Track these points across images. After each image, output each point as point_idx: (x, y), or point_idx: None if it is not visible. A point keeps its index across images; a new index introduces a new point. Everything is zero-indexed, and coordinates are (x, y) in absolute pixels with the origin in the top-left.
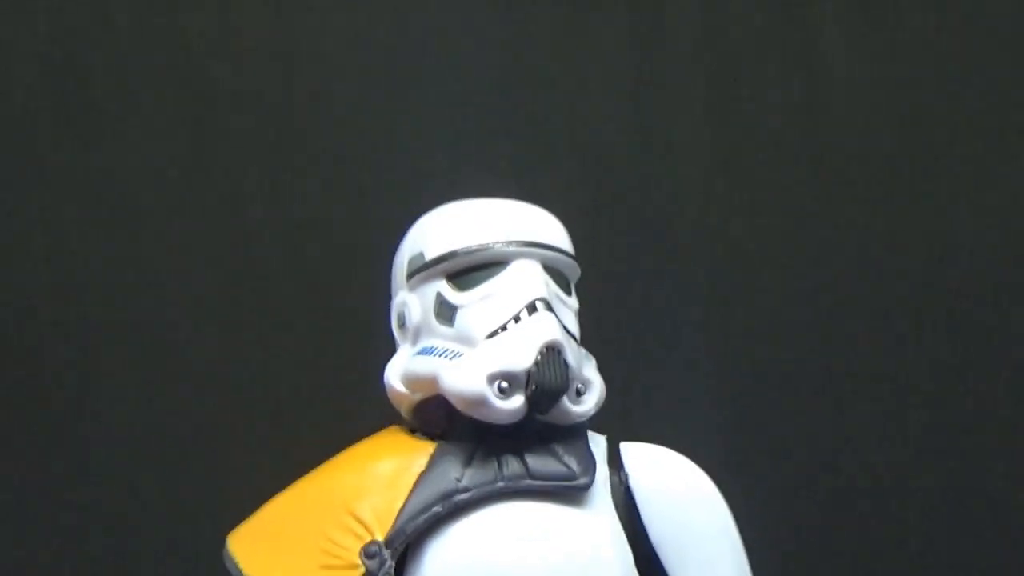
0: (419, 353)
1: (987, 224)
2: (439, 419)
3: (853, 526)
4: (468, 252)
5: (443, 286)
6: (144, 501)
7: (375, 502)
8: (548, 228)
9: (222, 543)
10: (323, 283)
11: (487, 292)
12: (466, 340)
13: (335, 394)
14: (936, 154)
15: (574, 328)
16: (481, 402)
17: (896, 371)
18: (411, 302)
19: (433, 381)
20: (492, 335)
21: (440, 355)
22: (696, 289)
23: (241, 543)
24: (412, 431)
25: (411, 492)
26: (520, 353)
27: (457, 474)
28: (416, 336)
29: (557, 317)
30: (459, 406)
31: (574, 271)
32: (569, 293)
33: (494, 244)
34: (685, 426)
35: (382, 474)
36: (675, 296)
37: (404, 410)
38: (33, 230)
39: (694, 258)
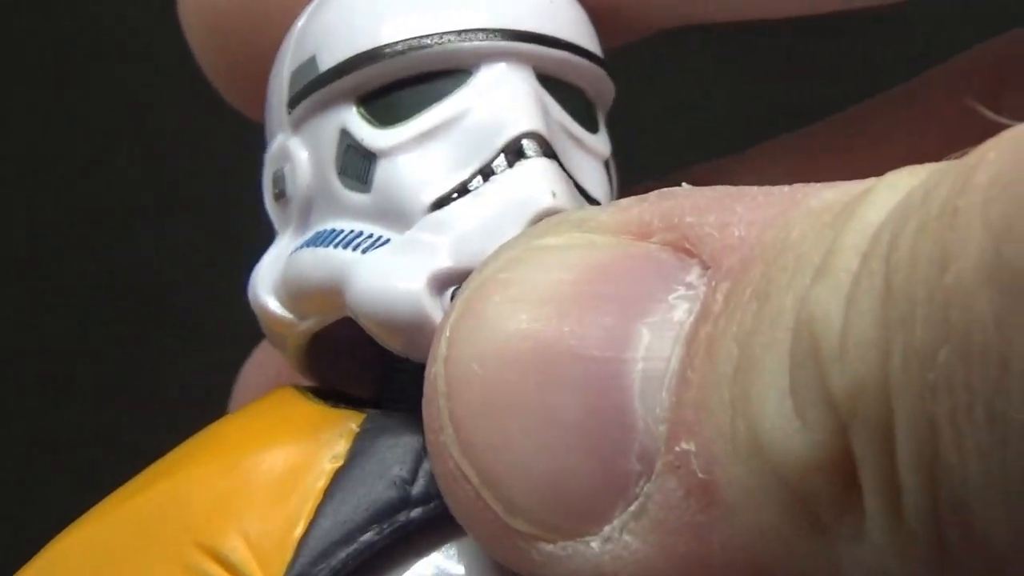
0: (308, 244)
1: None
2: (363, 369)
3: None
4: (396, 52)
5: (352, 119)
6: None
7: (253, 527)
8: (552, 5)
9: None
10: None
11: (433, 124)
12: (394, 214)
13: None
14: None
15: (599, 189)
16: (420, 326)
17: None
18: (295, 152)
19: (335, 290)
20: (442, 203)
21: (347, 243)
22: None
23: None
24: (323, 396)
25: (319, 506)
26: (494, 234)
27: (403, 470)
28: (305, 214)
29: (563, 167)
30: (381, 336)
31: (602, 88)
32: (594, 127)
33: (445, 35)
34: None
35: (264, 474)
36: None
37: (290, 352)
38: None
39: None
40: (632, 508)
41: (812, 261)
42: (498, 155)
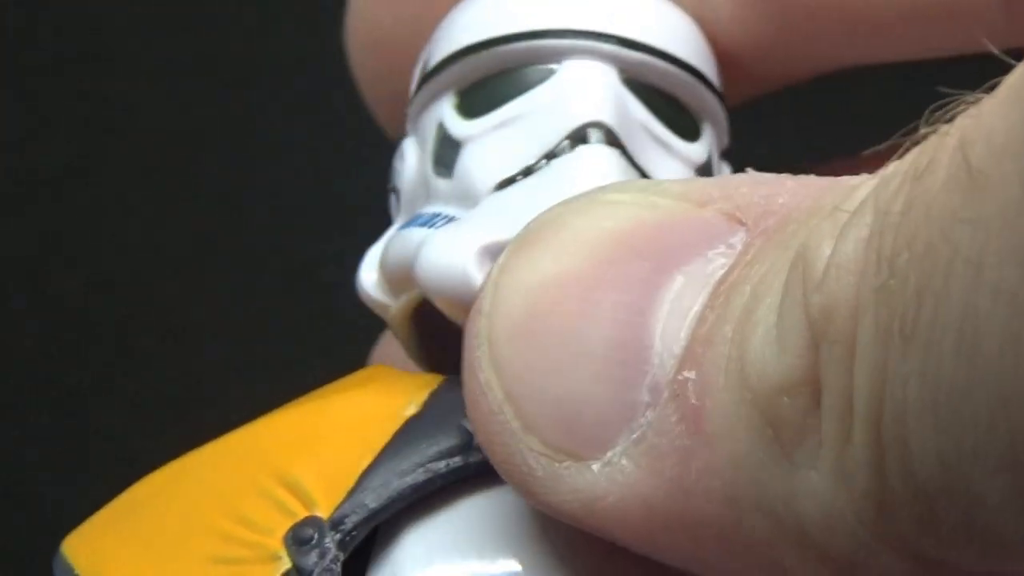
0: (404, 227)
1: None
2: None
3: None
4: (482, 45)
5: (447, 112)
6: None
7: (325, 459)
8: (654, 14)
9: None
10: None
11: (512, 114)
12: (466, 195)
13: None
14: None
15: None
16: (460, 284)
17: None
18: (407, 150)
19: (408, 266)
20: (506, 184)
21: (425, 222)
22: None
23: (88, 539)
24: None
25: (388, 444)
26: (541, 209)
27: (468, 421)
28: (409, 205)
29: (632, 159)
30: (439, 305)
31: (703, 99)
32: (689, 135)
33: (533, 32)
34: None
35: (344, 418)
36: None
37: (396, 329)
38: None
39: None
40: (634, 436)
41: (827, 210)
42: (563, 141)
